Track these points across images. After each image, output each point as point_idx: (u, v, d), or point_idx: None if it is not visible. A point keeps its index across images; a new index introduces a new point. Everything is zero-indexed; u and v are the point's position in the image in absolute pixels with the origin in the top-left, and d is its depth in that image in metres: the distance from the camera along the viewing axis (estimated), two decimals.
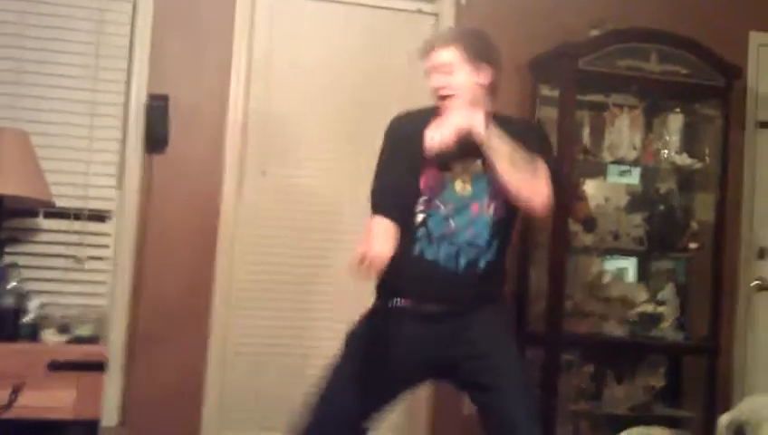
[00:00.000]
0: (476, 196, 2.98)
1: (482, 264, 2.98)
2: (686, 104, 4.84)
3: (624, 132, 4.69)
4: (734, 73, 4.74)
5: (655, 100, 4.82)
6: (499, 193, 2.93)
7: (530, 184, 2.86)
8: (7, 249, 3.98)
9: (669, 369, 4.68)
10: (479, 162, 2.95)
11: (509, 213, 3.01)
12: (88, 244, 4.23)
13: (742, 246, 5.02)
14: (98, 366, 3.56)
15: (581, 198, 4.64)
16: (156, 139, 4.29)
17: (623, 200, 4.79)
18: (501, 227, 3.01)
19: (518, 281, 4.61)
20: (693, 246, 4.73)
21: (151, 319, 4.28)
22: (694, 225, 4.76)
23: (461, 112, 2.82)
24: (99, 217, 4.27)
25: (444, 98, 2.99)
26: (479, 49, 3.01)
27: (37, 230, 4.19)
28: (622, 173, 4.89)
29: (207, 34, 4.45)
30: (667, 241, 4.74)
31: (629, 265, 4.83)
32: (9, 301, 3.69)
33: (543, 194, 2.90)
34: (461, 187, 3.00)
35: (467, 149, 2.87)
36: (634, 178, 4.90)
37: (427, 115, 3.00)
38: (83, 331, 3.71)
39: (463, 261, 2.96)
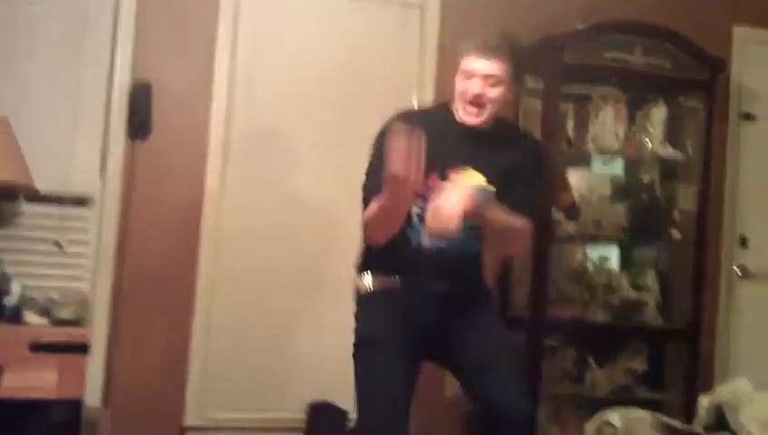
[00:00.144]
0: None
1: (470, 252, 3.08)
2: (670, 96, 4.85)
3: (608, 124, 4.71)
4: (717, 66, 4.78)
5: (639, 92, 4.84)
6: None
7: (514, 247, 3.28)
8: None
9: (651, 354, 4.71)
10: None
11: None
12: (69, 228, 4.21)
13: (724, 235, 5.07)
14: (81, 348, 3.56)
15: (565, 187, 4.66)
16: (139, 124, 4.28)
17: (607, 190, 4.80)
18: (481, 234, 3.05)
19: (502, 268, 4.61)
20: (675, 234, 4.75)
21: (134, 302, 4.28)
22: (676, 214, 4.79)
23: (459, 198, 2.79)
24: (81, 202, 4.24)
25: (475, 105, 3.01)
26: (517, 67, 3.05)
27: (19, 215, 4.16)
28: (606, 163, 4.91)
29: (192, 19, 4.44)
30: (650, 230, 4.77)
31: (612, 253, 4.85)
32: None
33: (522, 248, 3.24)
34: None
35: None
36: (617, 168, 4.92)
37: (427, 115, 3.03)
38: (65, 313, 3.70)
39: (453, 250, 3.00)
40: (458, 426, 4.51)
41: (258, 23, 4.54)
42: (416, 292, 3.04)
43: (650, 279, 4.74)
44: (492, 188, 3.01)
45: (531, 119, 4.70)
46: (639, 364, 4.64)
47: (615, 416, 3.19)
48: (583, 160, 4.84)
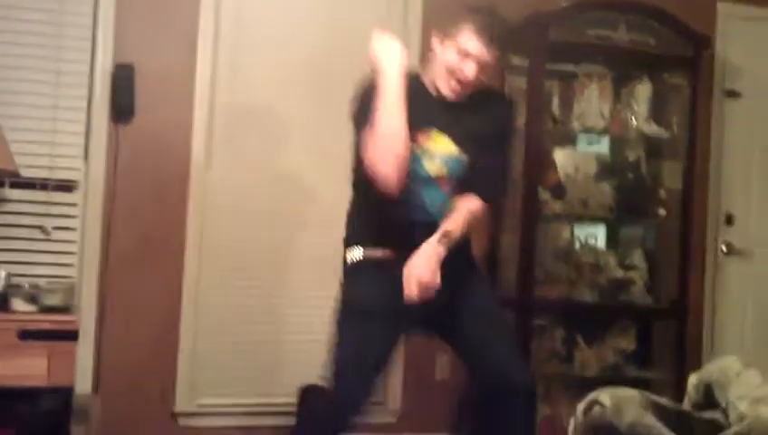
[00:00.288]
0: (448, 177, 3.07)
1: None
2: (655, 73, 4.86)
3: (593, 102, 4.72)
4: (702, 43, 4.78)
5: (623, 69, 4.84)
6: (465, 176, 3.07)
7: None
8: None
9: (639, 332, 4.75)
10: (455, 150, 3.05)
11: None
12: (55, 214, 4.18)
13: (709, 212, 5.08)
14: (70, 335, 3.55)
15: (551, 166, 4.66)
16: (122, 108, 4.25)
17: (592, 169, 4.82)
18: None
19: (490, 248, 4.61)
20: (661, 212, 4.78)
21: (121, 288, 4.26)
22: (662, 192, 4.81)
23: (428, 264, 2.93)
24: (65, 187, 4.21)
25: (461, 84, 3.03)
26: (501, 49, 3.09)
27: (3, 201, 4.14)
28: (591, 142, 4.91)
29: (173, 2, 4.40)
30: (636, 208, 4.79)
31: (599, 232, 4.86)
32: None
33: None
34: (432, 167, 3.06)
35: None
36: (603, 146, 4.93)
37: (409, 83, 3.01)
38: (53, 300, 3.68)
39: (432, 217, 3.04)
40: (449, 408, 4.53)
41: (241, 3, 4.49)
42: (405, 263, 3.04)
43: (637, 258, 4.76)
44: (462, 158, 3.06)
45: (517, 96, 4.69)
46: (628, 343, 4.67)
47: (604, 395, 3.20)
48: (569, 139, 4.85)
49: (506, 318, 3.33)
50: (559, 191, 4.63)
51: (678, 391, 3.85)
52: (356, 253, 3.13)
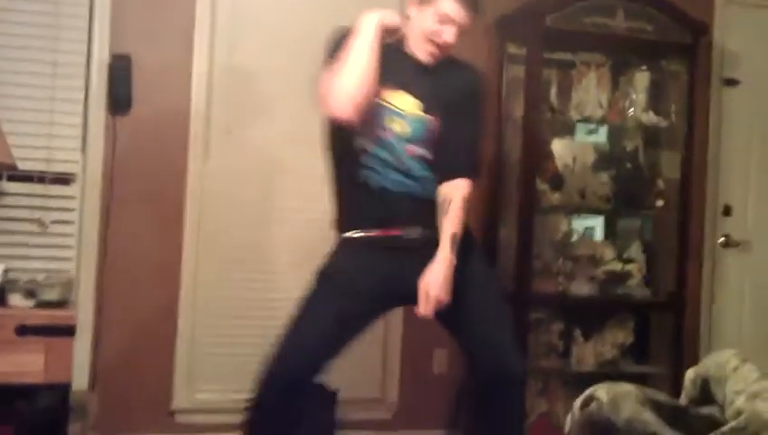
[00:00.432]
0: (412, 137, 3.05)
1: (426, 194, 3.06)
2: (653, 61, 4.84)
3: (591, 90, 4.70)
4: (699, 30, 4.76)
5: (621, 57, 4.82)
6: (433, 140, 3.06)
7: None
8: None
9: (637, 326, 4.74)
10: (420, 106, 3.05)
11: (438, 158, 3.10)
12: (52, 207, 4.17)
13: (707, 204, 5.07)
14: (67, 330, 3.53)
15: (549, 156, 4.65)
16: (119, 100, 4.23)
17: (590, 159, 4.80)
18: (431, 167, 3.09)
19: (487, 240, 4.61)
20: (659, 203, 4.77)
21: (119, 282, 4.25)
22: (660, 182, 4.79)
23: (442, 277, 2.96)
24: (63, 179, 4.20)
25: (440, 48, 3.04)
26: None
27: (1, 195, 4.12)
28: (589, 132, 4.90)
29: None
30: (634, 199, 4.77)
31: (597, 224, 4.86)
32: None
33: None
34: (398, 125, 3.05)
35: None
36: (601, 136, 4.92)
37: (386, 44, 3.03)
38: (50, 295, 3.67)
39: (410, 189, 3.04)
40: (447, 402, 4.54)
41: None
42: (391, 241, 3.05)
43: (635, 250, 4.75)
44: (427, 117, 3.05)
45: (514, 85, 4.68)
46: (626, 336, 4.67)
47: (601, 390, 3.21)
48: (567, 129, 4.84)
49: (499, 292, 3.28)
50: (557, 182, 4.61)
51: (676, 385, 3.87)
52: (341, 233, 3.16)
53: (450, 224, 3.02)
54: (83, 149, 4.23)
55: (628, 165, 4.82)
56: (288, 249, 4.50)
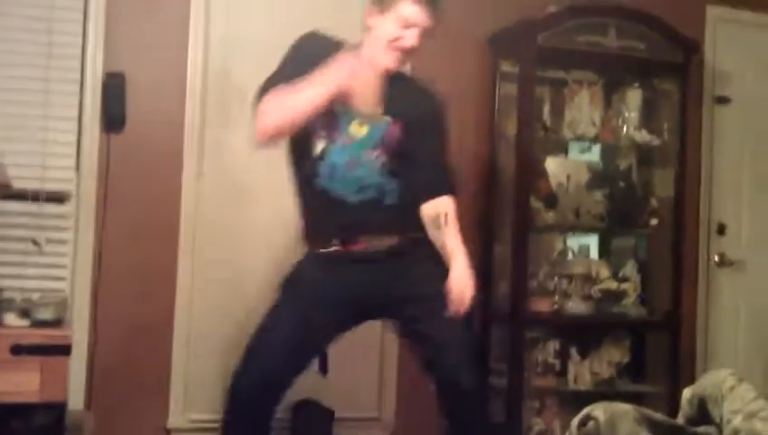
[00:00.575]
0: (370, 141, 3.05)
1: (387, 202, 3.07)
2: (645, 79, 4.87)
3: (584, 109, 4.72)
4: (691, 48, 4.79)
5: (614, 75, 4.85)
6: (392, 146, 3.05)
7: None
8: None
9: (633, 344, 4.74)
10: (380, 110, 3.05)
11: (401, 167, 3.09)
12: (47, 226, 4.16)
13: (701, 222, 5.08)
14: (62, 349, 3.51)
15: (543, 175, 4.66)
16: (113, 118, 4.23)
17: (584, 177, 4.82)
18: (395, 173, 3.08)
19: (483, 259, 4.62)
20: (653, 222, 4.78)
21: (114, 301, 4.23)
22: (653, 201, 4.80)
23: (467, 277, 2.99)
24: (57, 198, 4.18)
25: (402, 53, 3.03)
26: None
27: None
28: (582, 150, 4.92)
29: (163, 10, 4.37)
30: (628, 218, 4.78)
31: (591, 242, 4.87)
32: None
33: None
34: (356, 129, 3.05)
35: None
36: (594, 154, 4.94)
37: (338, 49, 3.04)
38: (45, 314, 3.64)
39: (371, 196, 3.04)
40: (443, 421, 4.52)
41: (231, 11, 4.48)
42: (355, 255, 3.05)
43: (630, 268, 4.76)
44: (388, 120, 3.06)
45: (507, 103, 4.70)
46: (622, 355, 4.67)
47: (598, 410, 3.21)
48: (560, 147, 4.85)
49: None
50: (551, 201, 4.62)
51: (672, 403, 3.87)
52: (307, 247, 3.17)
53: (454, 233, 3.03)
54: (77, 167, 4.22)
55: (622, 183, 4.84)
56: (285, 268, 4.48)
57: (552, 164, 4.76)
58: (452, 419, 3.13)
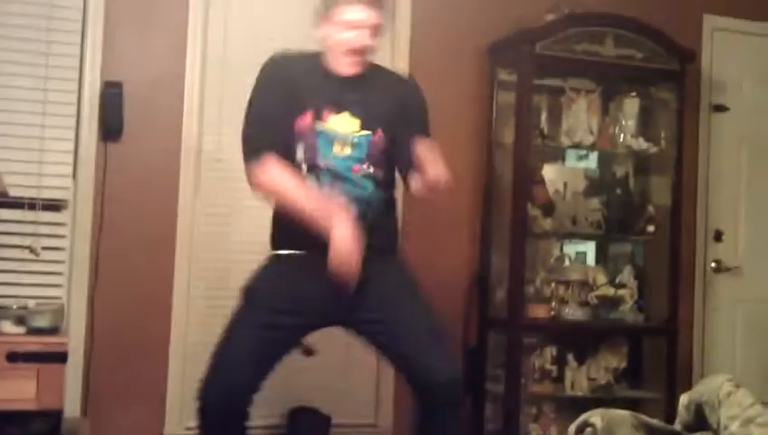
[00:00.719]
0: (356, 157, 3.05)
1: (369, 215, 3.04)
2: (642, 88, 4.88)
3: (581, 117, 4.72)
4: (687, 57, 4.80)
5: (611, 83, 4.86)
6: (377, 156, 3.05)
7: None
8: None
9: (630, 351, 4.73)
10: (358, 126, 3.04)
11: (388, 172, 3.11)
12: (43, 234, 4.15)
13: (698, 229, 5.09)
14: (59, 357, 3.51)
15: (540, 182, 4.66)
16: (111, 126, 4.24)
17: (581, 185, 4.83)
18: (381, 184, 3.09)
19: (480, 266, 4.64)
20: (650, 229, 4.78)
21: (110, 309, 4.23)
22: (650, 208, 4.81)
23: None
24: (54, 206, 4.18)
25: (359, 55, 3.04)
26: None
27: None
28: (580, 158, 4.93)
29: (161, 20, 4.39)
30: (625, 225, 4.78)
31: (588, 249, 4.88)
32: None
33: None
34: (339, 149, 3.05)
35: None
36: (591, 162, 4.95)
37: (304, 61, 3.10)
38: (42, 322, 3.64)
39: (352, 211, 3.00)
40: None
41: (229, 18, 4.49)
42: (312, 266, 3.01)
43: (627, 275, 4.76)
44: (366, 133, 3.05)
45: (505, 111, 4.70)
46: (619, 361, 4.67)
47: (596, 416, 3.21)
48: (557, 155, 4.86)
49: (428, 308, 3.16)
50: (548, 208, 4.63)
51: (670, 409, 3.87)
52: (273, 251, 3.16)
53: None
54: (74, 175, 4.23)
55: (619, 191, 4.84)
56: None
57: (550, 171, 4.77)
58: (431, 427, 3.07)
